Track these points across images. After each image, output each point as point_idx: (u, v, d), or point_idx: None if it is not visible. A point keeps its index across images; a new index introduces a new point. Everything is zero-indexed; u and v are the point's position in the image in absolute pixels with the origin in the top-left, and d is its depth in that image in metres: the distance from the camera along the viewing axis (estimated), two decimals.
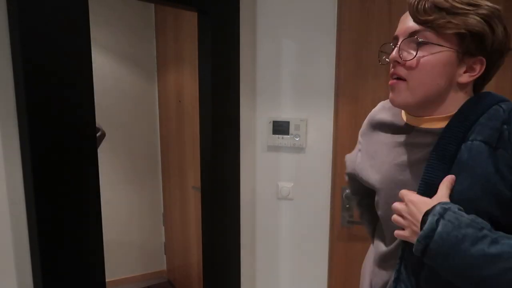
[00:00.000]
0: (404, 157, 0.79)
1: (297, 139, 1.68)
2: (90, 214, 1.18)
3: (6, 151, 1.05)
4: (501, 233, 0.62)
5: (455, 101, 0.73)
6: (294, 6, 1.62)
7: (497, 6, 0.70)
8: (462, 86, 0.73)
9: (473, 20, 0.68)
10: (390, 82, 0.77)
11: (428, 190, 0.70)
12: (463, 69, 0.71)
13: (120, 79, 2.62)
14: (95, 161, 1.18)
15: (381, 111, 0.91)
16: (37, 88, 1.02)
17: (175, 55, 2.45)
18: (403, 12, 0.77)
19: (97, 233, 1.21)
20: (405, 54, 0.73)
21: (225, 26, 1.57)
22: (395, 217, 0.74)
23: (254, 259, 1.85)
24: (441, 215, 0.63)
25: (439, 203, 0.65)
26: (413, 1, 0.71)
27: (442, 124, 0.74)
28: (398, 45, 0.74)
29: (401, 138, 0.81)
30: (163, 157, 2.79)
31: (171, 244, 2.81)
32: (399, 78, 0.75)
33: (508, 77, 1.37)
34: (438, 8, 0.69)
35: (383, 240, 0.89)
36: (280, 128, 1.69)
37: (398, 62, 0.74)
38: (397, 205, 0.73)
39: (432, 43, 0.70)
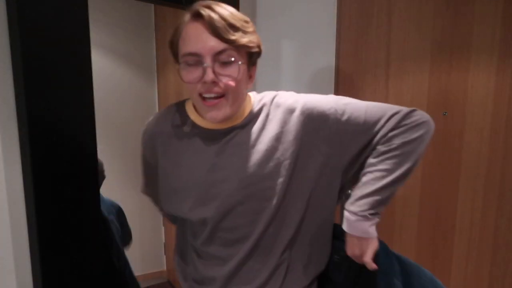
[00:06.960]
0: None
1: None
2: (90, 214, 1.18)
3: (6, 152, 1.05)
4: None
5: (248, 101, 0.89)
6: (294, 6, 1.62)
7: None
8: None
9: (255, 36, 0.80)
10: (212, 102, 0.80)
11: None
12: (249, 76, 0.85)
13: (120, 79, 2.61)
14: (95, 161, 1.18)
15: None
16: (37, 89, 1.02)
17: None
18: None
19: (97, 233, 1.21)
20: (220, 75, 0.77)
21: None
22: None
23: None
24: None
25: None
26: (207, 18, 0.74)
27: (239, 120, 0.86)
28: (210, 66, 0.76)
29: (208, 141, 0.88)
30: None
31: (171, 244, 2.80)
32: (219, 97, 0.79)
33: (507, 77, 1.38)
34: (235, 28, 0.76)
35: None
36: None
37: (216, 83, 0.78)
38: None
39: (237, 61, 0.77)
